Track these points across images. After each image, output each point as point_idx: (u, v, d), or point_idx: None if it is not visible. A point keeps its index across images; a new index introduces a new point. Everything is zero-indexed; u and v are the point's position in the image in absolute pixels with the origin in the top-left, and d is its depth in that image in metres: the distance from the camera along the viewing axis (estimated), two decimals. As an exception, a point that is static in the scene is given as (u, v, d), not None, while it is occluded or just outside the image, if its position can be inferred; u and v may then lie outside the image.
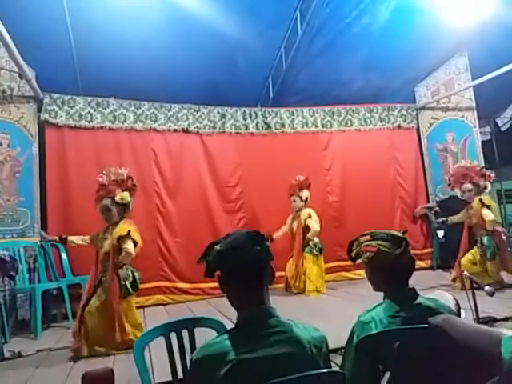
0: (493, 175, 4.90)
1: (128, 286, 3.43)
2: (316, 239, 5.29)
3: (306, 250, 5.24)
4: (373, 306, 1.67)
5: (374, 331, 1.52)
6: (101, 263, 3.52)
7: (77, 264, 4.89)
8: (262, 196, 5.90)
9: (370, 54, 5.77)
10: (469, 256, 4.66)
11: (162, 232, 5.41)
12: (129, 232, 3.42)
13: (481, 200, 4.62)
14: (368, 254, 1.69)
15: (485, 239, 4.57)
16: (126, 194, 3.58)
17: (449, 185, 5.14)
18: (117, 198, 3.54)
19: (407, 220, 6.56)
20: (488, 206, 4.59)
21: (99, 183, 3.61)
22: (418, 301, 1.60)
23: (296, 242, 5.28)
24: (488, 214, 4.53)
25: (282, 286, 5.38)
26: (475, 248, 4.66)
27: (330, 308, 4.40)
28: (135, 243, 3.48)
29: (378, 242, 1.67)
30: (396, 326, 1.51)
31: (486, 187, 4.81)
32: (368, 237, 1.73)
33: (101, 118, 5.39)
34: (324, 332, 1.31)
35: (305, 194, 5.35)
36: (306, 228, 5.26)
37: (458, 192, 5.04)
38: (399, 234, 1.70)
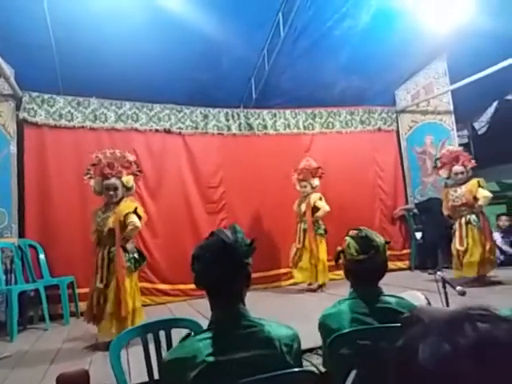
0: (473, 161, 5.11)
1: (137, 257, 3.62)
2: (320, 221, 5.41)
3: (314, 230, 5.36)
4: (338, 300, 1.74)
5: (334, 323, 1.59)
6: (105, 240, 3.58)
7: (55, 265, 4.83)
8: (244, 197, 5.93)
9: (351, 57, 5.84)
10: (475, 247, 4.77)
11: (142, 232, 5.34)
12: (135, 208, 3.60)
13: (479, 181, 4.87)
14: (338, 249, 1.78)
15: (473, 216, 4.83)
16: (131, 178, 3.74)
17: (434, 167, 5.32)
18: (124, 180, 3.66)
19: (386, 221, 6.66)
20: (483, 188, 4.86)
21: (108, 161, 3.66)
22: (381, 299, 1.65)
23: (308, 222, 5.33)
24: (485, 192, 4.82)
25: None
26: (471, 233, 4.81)
27: (308, 308, 4.44)
28: (139, 218, 3.63)
29: (348, 241, 1.72)
30: (358, 323, 1.58)
31: (469, 171, 5.03)
32: (351, 233, 1.76)
33: (81, 118, 5.33)
34: (301, 332, 1.34)
35: (316, 182, 5.45)
36: (314, 209, 5.35)
37: (444, 174, 5.16)
38: (373, 241, 1.69)
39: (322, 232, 5.38)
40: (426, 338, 0.52)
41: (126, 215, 3.55)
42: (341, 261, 1.78)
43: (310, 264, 5.26)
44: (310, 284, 5.51)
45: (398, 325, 1.44)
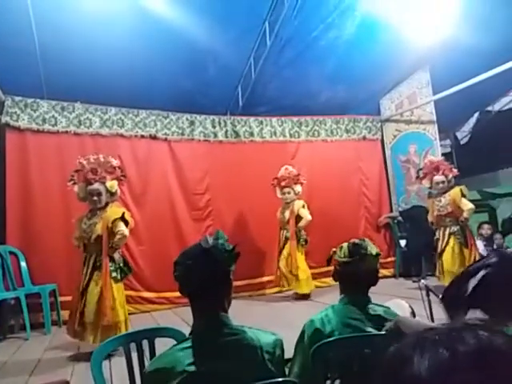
0: (456, 170, 5.19)
1: (122, 266, 3.59)
2: (302, 231, 5.43)
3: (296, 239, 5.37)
4: (326, 307, 1.74)
5: (320, 327, 1.59)
6: (92, 247, 3.54)
7: (37, 273, 4.73)
8: (230, 204, 5.92)
9: (336, 67, 5.91)
10: (452, 257, 4.84)
11: (127, 239, 5.30)
12: (123, 214, 3.57)
13: (461, 189, 4.92)
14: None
15: (457, 227, 4.89)
16: (115, 183, 3.71)
17: (417, 177, 5.41)
18: (107, 185, 3.63)
19: (371, 229, 6.71)
20: (465, 196, 4.91)
21: (91, 167, 3.63)
22: (369, 307, 1.66)
23: (290, 230, 5.36)
24: (468, 203, 4.86)
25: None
26: (452, 243, 4.89)
27: (292, 315, 4.43)
28: (126, 225, 3.60)
29: (343, 245, 1.76)
30: (346, 330, 1.57)
31: (450, 181, 5.11)
32: (351, 240, 1.80)
33: (65, 123, 5.26)
34: (285, 340, 1.33)
35: (298, 188, 5.48)
36: (297, 217, 5.37)
37: (427, 184, 5.25)
38: (363, 248, 1.72)
39: (303, 243, 5.41)
40: (423, 348, 0.52)
41: (114, 222, 3.51)
42: (331, 265, 1.83)
43: (289, 272, 5.26)
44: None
45: (384, 333, 1.46)
